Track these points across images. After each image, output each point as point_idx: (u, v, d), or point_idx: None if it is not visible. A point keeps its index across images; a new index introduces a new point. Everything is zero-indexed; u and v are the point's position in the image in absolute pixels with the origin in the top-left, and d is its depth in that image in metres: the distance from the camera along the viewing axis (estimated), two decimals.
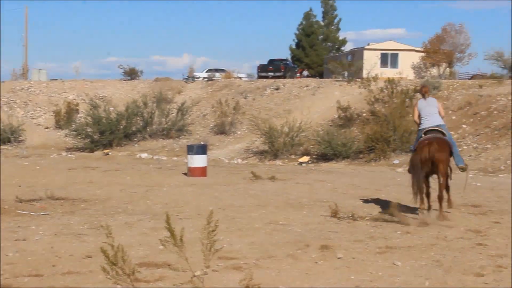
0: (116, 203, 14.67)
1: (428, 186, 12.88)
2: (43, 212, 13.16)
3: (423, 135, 12.86)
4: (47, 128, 40.85)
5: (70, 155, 32.41)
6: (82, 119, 37.44)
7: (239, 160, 29.74)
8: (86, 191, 16.86)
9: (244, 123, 36.24)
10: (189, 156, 21.48)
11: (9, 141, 36.92)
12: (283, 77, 48.63)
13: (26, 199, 14.74)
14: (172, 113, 36.96)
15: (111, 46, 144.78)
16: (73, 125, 36.91)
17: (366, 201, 15.11)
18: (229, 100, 38.03)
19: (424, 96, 13.35)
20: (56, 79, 51.44)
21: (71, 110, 41.04)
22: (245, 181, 19.78)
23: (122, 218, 12.45)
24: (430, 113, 13.08)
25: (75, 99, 43.49)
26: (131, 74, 50.90)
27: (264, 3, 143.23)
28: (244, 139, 34.02)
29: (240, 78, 51.33)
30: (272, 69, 51.19)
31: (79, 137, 35.60)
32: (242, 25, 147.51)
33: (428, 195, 12.86)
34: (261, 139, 30.78)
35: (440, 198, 12.25)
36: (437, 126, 12.97)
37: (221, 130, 36.05)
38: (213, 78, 48.03)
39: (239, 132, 35.72)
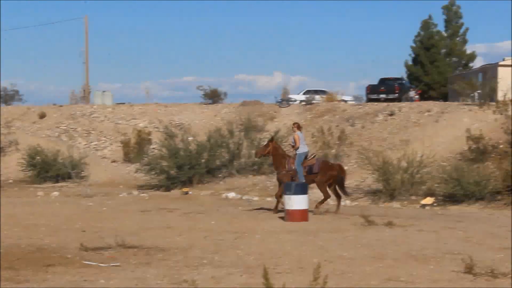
0: (200, 253, 14.79)
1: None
2: (113, 263, 13.37)
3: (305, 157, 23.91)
4: (114, 161, 41.59)
5: (142, 194, 32.82)
6: (156, 151, 37.97)
7: (347, 202, 29.56)
8: (163, 238, 17.07)
9: (351, 156, 36.06)
10: (286, 196, 21.52)
11: (70, 177, 37.53)
12: (398, 100, 48.18)
13: (92, 247, 15.02)
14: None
15: (188, 63, 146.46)
16: (145, 158, 37.36)
17: (508, 253, 14.76)
18: (332, 128, 38.02)
19: (299, 129, 24.14)
20: (123, 103, 52.21)
21: (142, 140, 41.70)
22: (356, 227, 19.69)
23: (208, 271, 12.53)
24: (304, 142, 24.12)
25: (146, 127, 44.23)
26: (213, 96, 51.16)
27: (372, 9, 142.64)
28: (353, 176, 33.78)
29: (345, 101, 51.14)
30: (385, 90, 50.66)
31: (153, 173, 35.88)
32: (345, 38, 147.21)
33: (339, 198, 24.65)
34: (373, 176, 30.58)
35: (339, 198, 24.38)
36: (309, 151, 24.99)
37: None
38: (312, 102, 47.99)
39: (346, 167, 35.52)
